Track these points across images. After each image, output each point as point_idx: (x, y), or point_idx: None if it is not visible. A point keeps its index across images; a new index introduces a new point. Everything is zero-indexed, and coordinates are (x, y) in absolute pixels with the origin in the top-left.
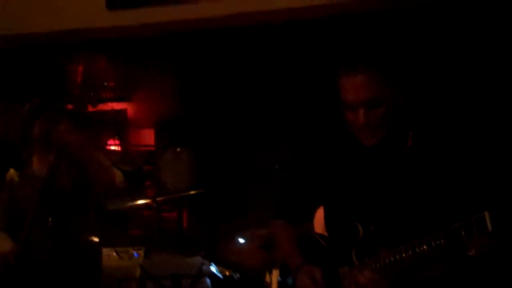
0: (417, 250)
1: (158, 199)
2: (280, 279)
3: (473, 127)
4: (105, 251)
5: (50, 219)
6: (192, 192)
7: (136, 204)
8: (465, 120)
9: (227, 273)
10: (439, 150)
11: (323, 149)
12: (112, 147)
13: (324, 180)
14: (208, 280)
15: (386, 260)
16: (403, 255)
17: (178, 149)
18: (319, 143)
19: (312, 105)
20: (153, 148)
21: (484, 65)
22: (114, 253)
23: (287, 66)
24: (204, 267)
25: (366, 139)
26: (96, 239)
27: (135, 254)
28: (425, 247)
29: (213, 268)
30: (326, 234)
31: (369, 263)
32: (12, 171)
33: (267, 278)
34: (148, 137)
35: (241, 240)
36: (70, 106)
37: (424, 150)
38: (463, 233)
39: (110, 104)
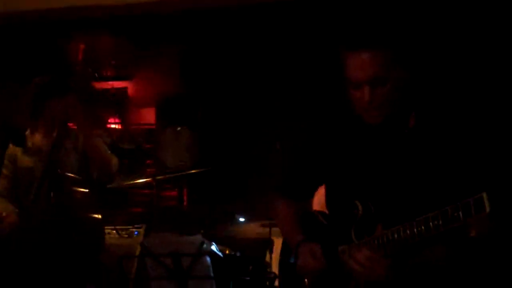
0: (415, 230)
1: (158, 177)
2: (280, 258)
3: (475, 108)
4: (106, 229)
5: (52, 194)
6: (193, 171)
7: (136, 183)
8: (467, 101)
9: (228, 252)
10: (441, 130)
11: (326, 128)
12: (113, 126)
13: (326, 158)
14: (208, 259)
15: (384, 239)
16: (401, 234)
17: (179, 128)
18: (322, 121)
19: (316, 83)
20: (153, 127)
21: (488, 47)
22: (114, 231)
23: (291, 43)
24: (204, 246)
25: (370, 118)
26: (98, 216)
27: (135, 232)
28: (423, 227)
29: (213, 247)
30: (325, 211)
31: (368, 241)
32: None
33: (267, 258)
34: (148, 115)
35: (242, 219)
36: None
37: (426, 130)
38: (460, 213)
39: (111, 82)
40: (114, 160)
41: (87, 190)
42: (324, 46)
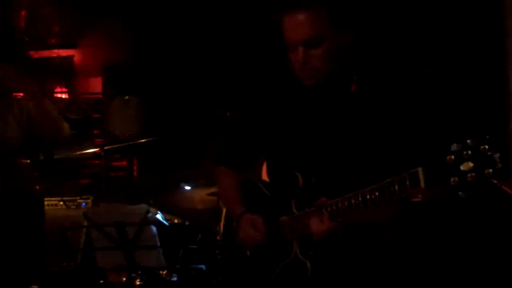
0: (352, 202)
1: (106, 147)
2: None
3: (417, 76)
4: (52, 200)
5: None
6: (142, 140)
7: (84, 153)
8: (409, 69)
9: (176, 221)
10: (383, 97)
11: (266, 94)
12: (59, 95)
13: (266, 126)
14: (153, 228)
15: (324, 210)
16: (339, 205)
17: (127, 97)
18: (262, 88)
19: (258, 49)
20: (101, 96)
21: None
22: (62, 203)
23: (235, 9)
24: (150, 215)
25: (305, 79)
26: (37, 187)
27: (83, 203)
28: (360, 199)
29: (159, 216)
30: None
31: (309, 213)
32: None
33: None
34: (96, 84)
35: (187, 187)
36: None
37: (368, 96)
38: (396, 188)
39: (56, 50)
40: (66, 124)
41: (28, 161)
42: (265, 11)
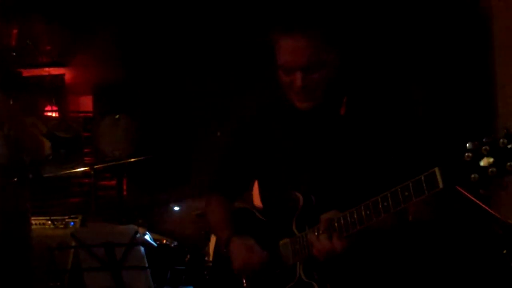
0: (363, 212)
1: (96, 166)
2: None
3: (404, 96)
4: (40, 219)
5: None
6: (132, 160)
7: (74, 172)
8: (398, 87)
9: (165, 241)
10: (373, 116)
11: (257, 119)
12: (49, 113)
13: (259, 150)
14: (142, 249)
15: (336, 224)
16: (350, 218)
17: (117, 116)
18: (254, 112)
19: (249, 69)
20: (91, 115)
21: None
22: (49, 222)
23: (229, 29)
24: (138, 235)
25: (300, 102)
26: (25, 206)
27: (71, 222)
28: (372, 208)
29: (147, 236)
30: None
31: (313, 231)
32: None
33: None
34: (86, 103)
35: (176, 208)
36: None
37: (359, 116)
38: (412, 191)
39: (47, 69)
40: (47, 143)
41: (15, 179)
42: (258, 29)
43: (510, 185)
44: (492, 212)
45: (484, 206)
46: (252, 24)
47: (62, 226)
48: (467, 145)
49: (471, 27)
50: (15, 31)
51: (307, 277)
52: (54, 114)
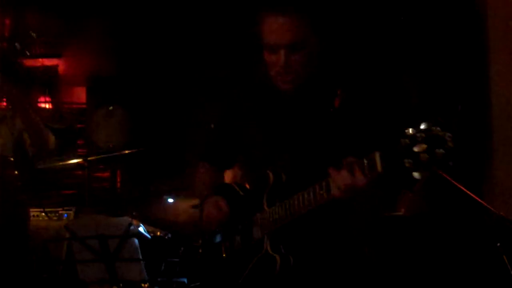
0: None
1: (90, 158)
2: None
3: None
4: (34, 211)
5: None
6: (126, 151)
7: (68, 164)
8: (392, 84)
9: (159, 234)
10: (366, 110)
11: (243, 98)
12: (43, 104)
13: (242, 128)
14: (136, 241)
15: (289, 204)
16: (299, 200)
17: (111, 107)
18: (241, 91)
19: (235, 49)
20: (85, 106)
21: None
22: (43, 214)
23: (221, 18)
24: (132, 227)
25: (283, 83)
26: (23, 197)
27: (65, 214)
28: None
29: (141, 229)
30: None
31: (278, 207)
32: None
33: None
34: (80, 94)
35: (170, 200)
36: None
37: (352, 110)
38: (358, 169)
39: (40, 60)
40: (52, 137)
41: (15, 172)
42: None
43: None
44: (485, 204)
45: (477, 199)
46: (239, 4)
47: (56, 218)
48: (407, 130)
49: (466, 22)
50: (8, 21)
51: (273, 251)
52: (47, 105)
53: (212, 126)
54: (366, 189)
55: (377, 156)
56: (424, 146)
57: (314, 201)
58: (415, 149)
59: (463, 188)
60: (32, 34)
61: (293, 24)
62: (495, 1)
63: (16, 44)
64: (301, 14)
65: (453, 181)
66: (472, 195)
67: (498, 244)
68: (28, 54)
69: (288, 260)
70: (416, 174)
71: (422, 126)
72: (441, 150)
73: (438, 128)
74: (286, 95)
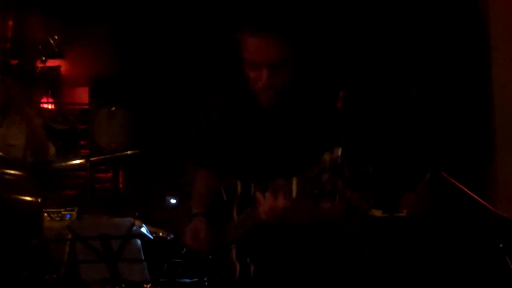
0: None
1: (92, 159)
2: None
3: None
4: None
5: None
6: (128, 152)
7: (70, 164)
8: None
9: (161, 234)
10: (367, 110)
11: (226, 108)
12: (45, 105)
13: (227, 137)
14: (138, 241)
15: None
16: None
17: (113, 108)
18: (225, 99)
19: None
20: (87, 107)
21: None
22: (46, 214)
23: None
24: (134, 228)
25: (264, 99)
26: (36, 200)
27: (67, 215)
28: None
29: (143, 229)
30: None
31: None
32: None
33: None
34: (82, 95)
35: (173, 201)
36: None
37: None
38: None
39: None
40: (52, 149)
41: (23, 173)
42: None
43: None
44: (487, 205)
45: (480, 200)
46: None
47: (58, 218)
48: (324, 155)
49: (468, 22)
50: (11, 22)
51: (236, 258)
52: (50, 106)
53: (201, 116)
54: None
55: (294, 181)
56: (327, 176)
57: (249, 223)
58: (322, 178)
59: (465, 189)
60: (51, 40)
61: (274, 44)
62: (497, 1)
63: (40, 46)
64: (282, 34)
65: (455, 182)
66: (474, 196)
67: (501, 245)
68: (44, 59)
69: (248, 269)
70: (323, 203)
71: (331, 153)
72: (339, 181)
73: (339, 159)
74: (267, 108)
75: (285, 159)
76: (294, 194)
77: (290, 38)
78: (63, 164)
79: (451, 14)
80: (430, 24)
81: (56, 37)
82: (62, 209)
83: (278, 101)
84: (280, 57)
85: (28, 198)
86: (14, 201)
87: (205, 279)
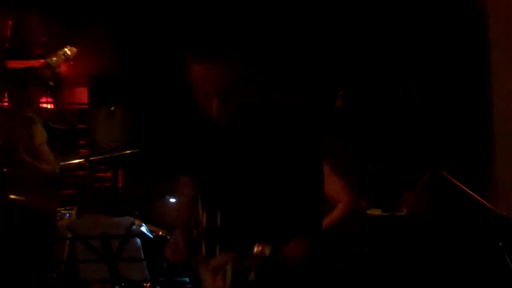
0: None
1: (91, 158)
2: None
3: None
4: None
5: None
6: (127, 152)
7: (69, 164)
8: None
9: (161, 233)
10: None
11: (184, 124)
12: (45, 105)
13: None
14: (138, 240)
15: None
16: None
17: (113, 107)
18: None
19: None
20: (86, 106)
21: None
22: None
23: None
24: (134, 227)
25: (216, 121)
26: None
27: (67, 214)
28: None
29: (143, 228)
30: None
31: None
32: None
33: None
34: (81, 95)
35: (172, 200)
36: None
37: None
38: None
39: (42, 60)
40: (56, 167)
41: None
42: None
43: None
44: (487, 204)
45: (479, 198)
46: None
47: (58, 217)
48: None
49: (467, 22)
50: (10, 22)
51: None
52: (49, 106)
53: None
54: None
55: (229, 267)
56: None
57: None
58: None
59: (465, 188)
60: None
61: (223, 73)
62: (496, 1)
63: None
64: (231, 62)
65: (455, 181)
66: (474, 195)
67: (501, 243)
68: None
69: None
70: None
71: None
72: (252, 276)
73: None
74: (220, 130)
75: (246, 179)
76: (228, 282)
77: (240, 66)
78: (63, 163)
79: (450, 14)
80: (430, 24)
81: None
82: (62, 209)
83: (234, 121)
84: (230, 87)
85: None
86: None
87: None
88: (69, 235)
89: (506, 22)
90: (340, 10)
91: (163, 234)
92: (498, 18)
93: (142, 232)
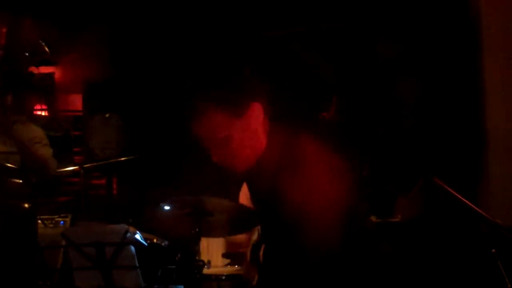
0: None
1: (86, 165)
2: None
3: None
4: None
5: None
6: (122, 159)
7: (63, 171)
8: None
9: (155, 241)
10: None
11: None
12: (39, 112)
13: None
14: (132, 248)
15: None
16: None
17: (107, 115)
18: None
19: None
20: (81, 113)
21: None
22: (39, 221)
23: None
24: (128, 235)
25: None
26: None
27: (61, 222)
28: None
29: (138, 236)
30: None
31: None
32: None
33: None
34: (76, 102)
35: (166, 207)
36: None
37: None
38: None
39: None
40: (53, 163)
41: (20, 181)
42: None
43: None
44: (480, 211)
45: (472, 205)
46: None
47: (52, 225)
48: None
49: (460, 25)
50: (4, 29)
51: None
52: (43, 113)
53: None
54: None
55: None
56: None
57: None
58: None
59: (458, 195)
60: (41, 42)
61: (220, 121)
62: (489, 5)
63: (26, 54)
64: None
65: (448, 188)
66: (467, 201)
67: (493, 250)
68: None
69: None
70: None
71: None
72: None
73: None
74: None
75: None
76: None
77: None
78: (57, 170)
79: (443, 18)
80: (423, 28)
81: (42, 43)
82: (56, 216)
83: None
84: (226, 134)
85: (23, 204)
86: (10, 207)
87: None
88: (64, 243)
89: (499, 25)
90: (338, 12)
91: (158, 242)
92: (491, 22)
93: (137, 240)
